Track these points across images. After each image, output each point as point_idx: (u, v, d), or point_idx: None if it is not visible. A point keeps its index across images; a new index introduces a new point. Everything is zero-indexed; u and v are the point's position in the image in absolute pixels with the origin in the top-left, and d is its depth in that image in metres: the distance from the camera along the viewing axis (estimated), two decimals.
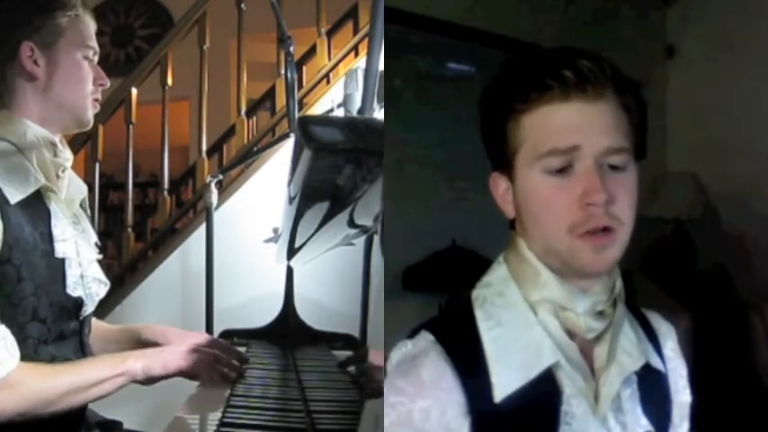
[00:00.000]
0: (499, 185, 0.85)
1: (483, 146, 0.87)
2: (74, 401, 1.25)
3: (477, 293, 0.85)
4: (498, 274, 0.86)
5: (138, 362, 1.33)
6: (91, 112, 1.40)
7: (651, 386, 0.87)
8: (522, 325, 0.81)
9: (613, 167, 0.79)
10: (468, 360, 0.79)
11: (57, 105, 1.36)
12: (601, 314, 0.82)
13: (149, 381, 1.35)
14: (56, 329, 1.30)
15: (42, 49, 1.33)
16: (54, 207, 1.31)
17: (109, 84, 1.44)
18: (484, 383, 0.78)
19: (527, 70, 0.82)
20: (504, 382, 0.78)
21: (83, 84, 1.38)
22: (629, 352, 0.84)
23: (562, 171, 0.79)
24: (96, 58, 1.43)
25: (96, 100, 1.42)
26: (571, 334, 0.82)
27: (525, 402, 0.78)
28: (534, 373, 0.79)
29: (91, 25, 1.41)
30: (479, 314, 0.83)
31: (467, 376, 0.78)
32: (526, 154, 0.81)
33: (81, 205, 1.47)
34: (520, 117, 0.81)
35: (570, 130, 0.78)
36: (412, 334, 0.83)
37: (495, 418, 0.78)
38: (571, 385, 0.80)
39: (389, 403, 0.77)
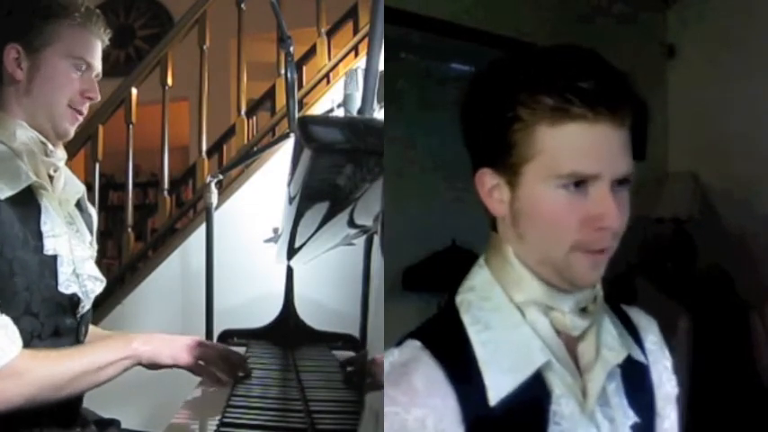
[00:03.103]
0: (486, 182, 0.82)
1: (465, 143, 0.84)
2: (81, 386, 1.27)
3: (462, 298, 0.84)
4: (481, 277, 0.85)
5: (146, 346, 1.34)
6: (68, 122, 1.39)
7: (634, 379, 0.88)
8: (509, 327, 0.81)
9: (619, 183, 0.78)
10: (458, 365, 0.78)
11: (34, 111, 1.36)
12: (584, 311, 0.83)
13: (154, 367, 1.37)
14: (50, 325, 1.30)
15: (28, 53, 1.34)
16: (45, 204, 1.31)
17: (99, 98, 1.43)
18: (477, 388, 0.77)
19: (538, 77, 0.77)
20: (498, 384, 0.78)
21: (61, 92, 1.37)
22: (610, 346, 0.84)
23: (577, 186, 0.77)
24: (94, 72, 1.41)
25: (80, 113, 1.40)
26: (556, 332, 0.82)
27: (516, 405, 0.77)
28: (527, 373, 0.78)
29: (91, 39, 1.40)
30: (466, 318, 0.82)
31: (459, 381, 0.77)
32: (540, 167, 0.78)
33: (80, 205, 1.47)
34: (535, 127, 0.77)
35: (595, 156, 0.76)
36: (399, 343, 0.82)
37: (488, 422, 0.77)
38: (560, 385, 0.80)
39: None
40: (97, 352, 1.30)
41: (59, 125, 1.38)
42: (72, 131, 1.41)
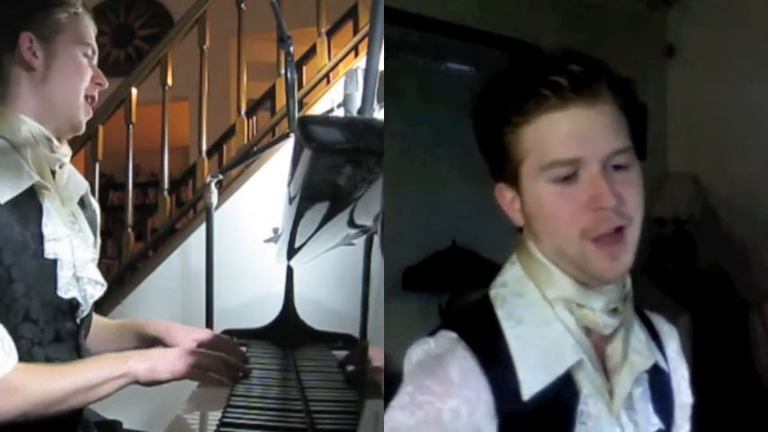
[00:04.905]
0: (505, 196, 0.86)
1: (483, 159, 0.87)
2: (75, 403, 1.23)
3: (496, 293, 0.85)
4: (513, 273, 0.86)
5: (142, 363, 1.29)
6: (83, 112, 1.39)
7: (658, 385, 0.88)
8: (542, 323, 0.82)
9: (618, 167, 0.79)
10: (493, 359, 0.79)
11: (51, 100, 1.34)
12: (614, 311, 0.83)
13: (152, 383, 1.32)
14: (50, 331, 1.28)
15: (41, 42, 1.34)
16: (47, 205, 1.28)
17: (107, 84, 1.44)
18: (511, 382, 0.78)
19: (519, 81, 0.81)
20: (532, 380, 0.79)
21: (78, 79, 1.37)
22: (639, 351, 0.85)
23: (568, 179, 0.79)
24: (96, 59, 1.43)
25: (92, 100, 1.40)
26: (586, 331, 0.83)
27: (545, 401, 0.78)
28: (559, 371, 0.79)
29: (90, 25, 1.42)
30: (501, 313, 0.83)
31: (494, 374, 0.78)
32: (530, 166, 0.81)
33: (83, 202, 1.45)
34: (519, 130, 0.81)
35: (571, 140, 0.78)
36: (432, 334, 0.83)
37: (520, 416, 0.78)
38: (589, 385, 0.81)
39: (416, 402, 0.76)
40: (93, 369, 1.26)
41: (76, 115, 1.38)
42: (84, 124, 1.40)
